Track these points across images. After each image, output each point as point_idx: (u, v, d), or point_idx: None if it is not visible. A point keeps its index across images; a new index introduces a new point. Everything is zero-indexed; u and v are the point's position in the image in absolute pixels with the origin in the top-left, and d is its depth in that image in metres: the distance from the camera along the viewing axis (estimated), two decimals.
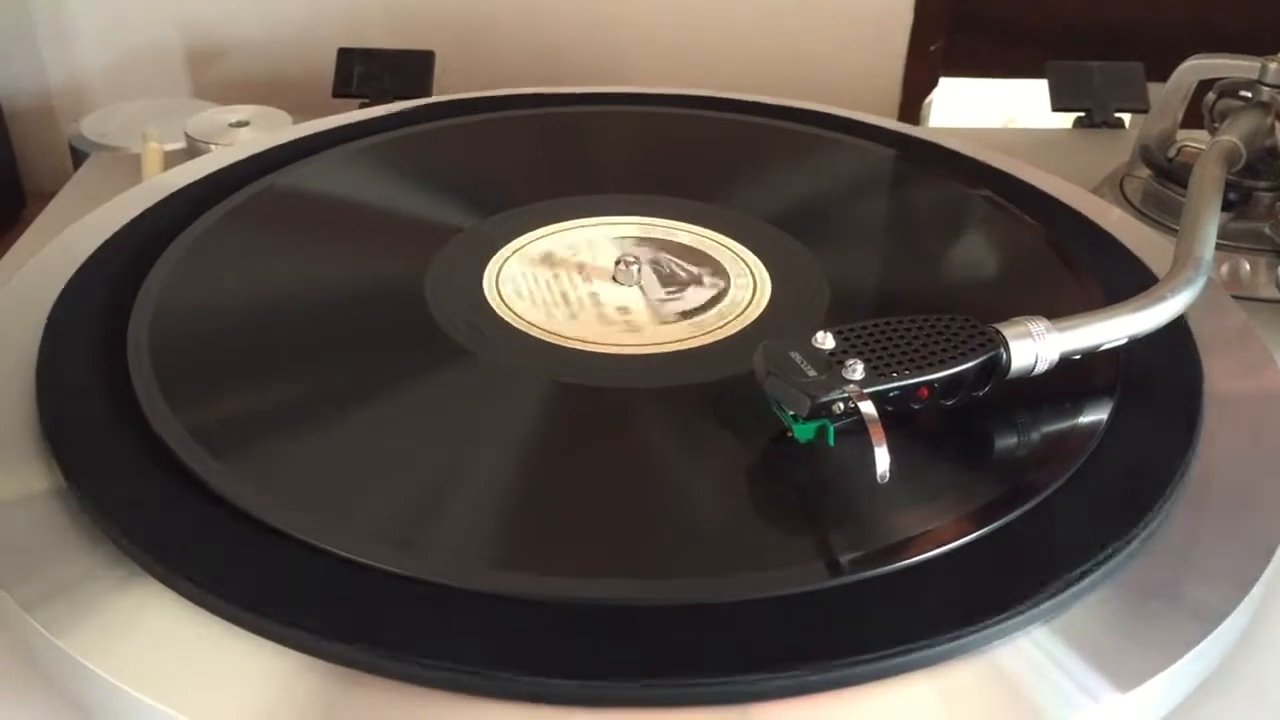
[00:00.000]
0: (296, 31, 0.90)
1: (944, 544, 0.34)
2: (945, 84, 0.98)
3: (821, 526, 0.36)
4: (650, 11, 0.91)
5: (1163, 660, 0.32)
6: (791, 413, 0.36)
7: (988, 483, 0.37)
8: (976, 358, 0.38)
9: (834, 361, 0.37)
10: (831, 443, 0.37)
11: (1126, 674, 0.32)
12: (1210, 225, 0.46)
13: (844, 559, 0.34)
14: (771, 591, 0.33)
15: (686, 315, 0.46)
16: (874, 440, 0.34)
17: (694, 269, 0.50)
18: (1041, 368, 0.39)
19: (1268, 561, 0.36)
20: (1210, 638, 0.33)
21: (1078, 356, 0.40)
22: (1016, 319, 0.39)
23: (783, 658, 0.31)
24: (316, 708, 0.30)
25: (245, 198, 0.53)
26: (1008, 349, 0.38)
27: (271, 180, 0.55)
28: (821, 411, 0.36)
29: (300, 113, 0.70)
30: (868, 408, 0.35)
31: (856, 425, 0.35)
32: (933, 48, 0.94)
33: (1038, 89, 0.78)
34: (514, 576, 0.33)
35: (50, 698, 0.33)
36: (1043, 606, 0.33)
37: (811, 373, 0.36)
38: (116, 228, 0.50)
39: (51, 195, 0.66)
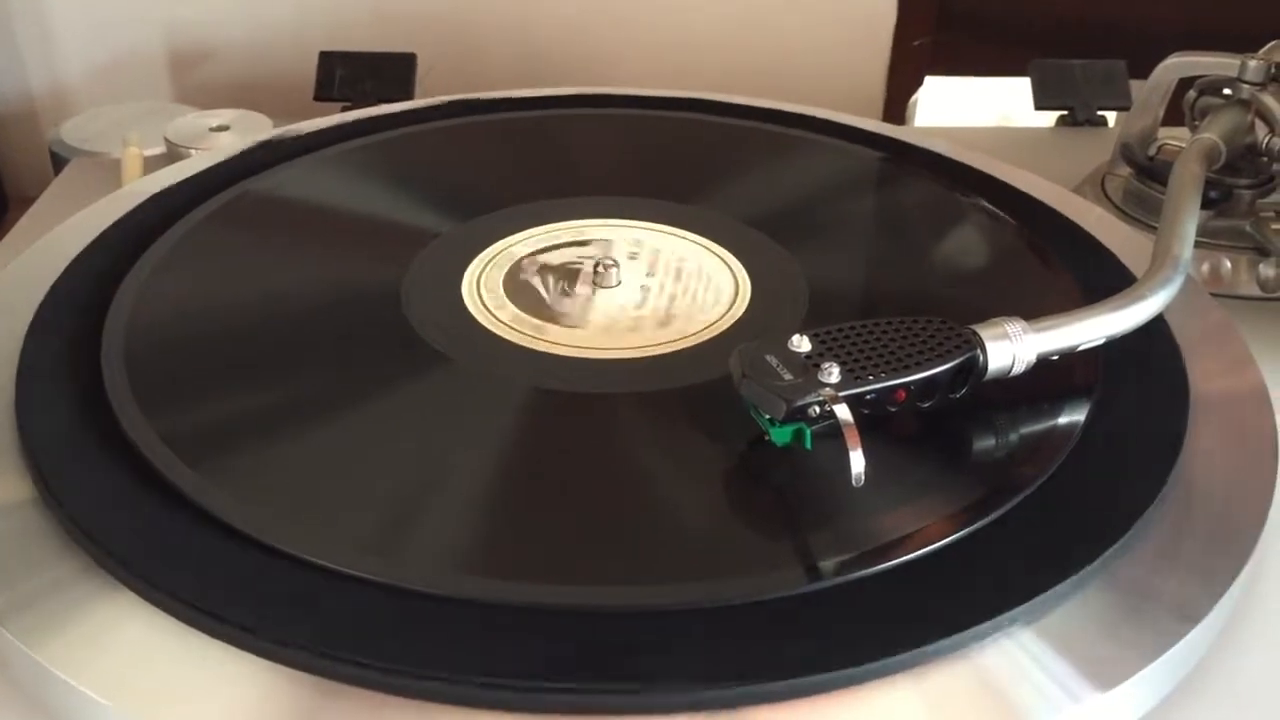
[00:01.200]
0: (279, 34, 0.90)
1: (924, 546, 0.34)
2: (930, 82, 0.98)
3: (802, 530, 0.36)
4: (632, 12, 0.91)
5: (1143, 659, 0.32)
6: (768, 416, 0.36)
7: (968, 484, 0.37)
8: (953, 359, 0.38)
9: (810, 364, 0.37)
10: (808, 446, 0.36)
11: (1107, 673, 0.32)
12: (1189, 224, 0.46)
13: (824, 563, 0.34)
14: (751, 597, 0.33)
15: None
16: (849, 444, 0.34)
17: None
18: (1019, 369, 0.39)
19: (1247, 559, 0.36)
20: (1190, 636, 0.33)
21: (1056, 357, 0.40)
22: (993, 320, 0.39)
23: (764, 663, 0.31)
24: (295, 719, 0.30)
25: (221, 204, 0.53)
26: (984, 350, 0.38)
27: (248, 185, 0.55)
28: (797, 415, 0.36)
29: (283, 116, 0.69)
30: (843, 411, 0.35)
31: (833, 428, 0.35)
32: (917, 43, 0.94)
33: (1022, 87, 0.78)
34: (495, 584, 0.33)
35: (25, 709, 0.33)
36: (1024, 607, 0.33)
37: (787, 376, 0.36)
38: (94, 235, 0.50)
39: (34, 200, 0.65)
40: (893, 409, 0.38)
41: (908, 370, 0.37)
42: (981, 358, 0.38)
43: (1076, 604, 0.34)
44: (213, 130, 0.68)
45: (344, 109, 0.71)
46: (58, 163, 0.71)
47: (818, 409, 0.36)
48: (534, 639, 0.32)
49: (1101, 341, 0.40)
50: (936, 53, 0.96)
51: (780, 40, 0.93)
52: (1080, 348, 0.40)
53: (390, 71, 0.75)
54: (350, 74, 0.75)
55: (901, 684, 0.31)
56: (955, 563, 0.34)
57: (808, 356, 0.37)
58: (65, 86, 0.91)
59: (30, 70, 0.90)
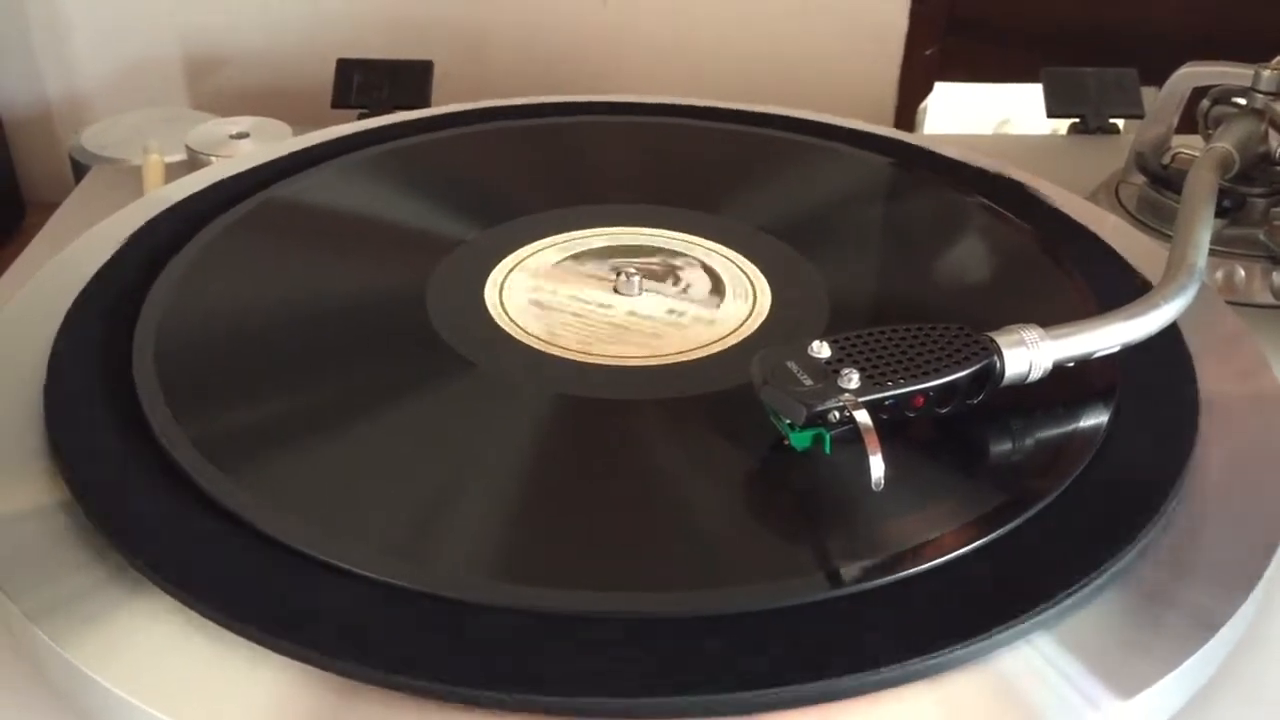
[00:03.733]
0: (296, 42, 0.91)
1: (945, 553, 0.35)
2: (940, 88, 0.98)
3: (822, 537, 0.36)
4: (647, 20, 0.91)
5: (1164, 666, 0.33)
6: (788, 421, 0.37)
7: (988, 491, 0.38)
8: (970, 366, 0.38)
9: (830, 370, 0.37)
10: (828, 451, 0.37)
11: (1128, 680, 0.32)
12: (1203, 232, 0.46)
13: (845, 569, 0.34)
14: (772, 603, 0.33)
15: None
16: (869, 449, 0.34)
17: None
18: (1035, 376, 0.39)
19: (1266, 565, 0.36)
20: (1211, 642, 0.33)
21: (1072, 364, 0.40)
22: (1010, 327, 0.39)
23: (784, 669, 0.31)
24: (320, 718, 0.31)
25: (246, 211, 0.53)
26: (1001, 357, 0.38)
27: (272, 193, 0.55)
28: (817, 420, 0.36)
29: (300, 123, 0.70)
30: (862, 416, 0.35)
31: (853, 433, 0.35)
32: (928, 52, 0.94)
33: (1033, 92, 0.78)
34: (515, 589, 0.34)
35: (56, 708, 0.33)
36: (1044, 614, 0.33)
37: (807, 382, 0.37)
38: (119, 242, 0.50)
39: (52, 205, 0.66)
40: (911, 415, 0.38)
41: (926, 376, 0.37)
42: (999, 364, 0.38)
43: (1096, 611, 0.34)
44: (233, 137, 0.69)
45: (360, 116, 0.72)
46: (78, 170, 0.71)
47: (837, 414, 0.36)
48: (552, 644, 0.32)
49: (1117, 349, 0.41)
50: (946, 59, 0.96)
51: (791, 48, 0.93)
52: (1096, 355, 0.40)
53: (407, 79, 0.76)
54: (367, 81, 0.75)
55: (922, 690, 0.32)
56: (975, 569, 0.35)
57: (827, 362, 0.37)
58: (81, 93, 0.92)
59: (46, 77, 0.91)
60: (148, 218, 0.52)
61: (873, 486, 0.34)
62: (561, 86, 0.90)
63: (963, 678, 0.32)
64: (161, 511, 0.36)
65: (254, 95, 0.91)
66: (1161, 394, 0.43)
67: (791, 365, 0.37)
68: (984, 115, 1.09)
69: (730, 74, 0.93)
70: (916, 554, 0.35)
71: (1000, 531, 0.36)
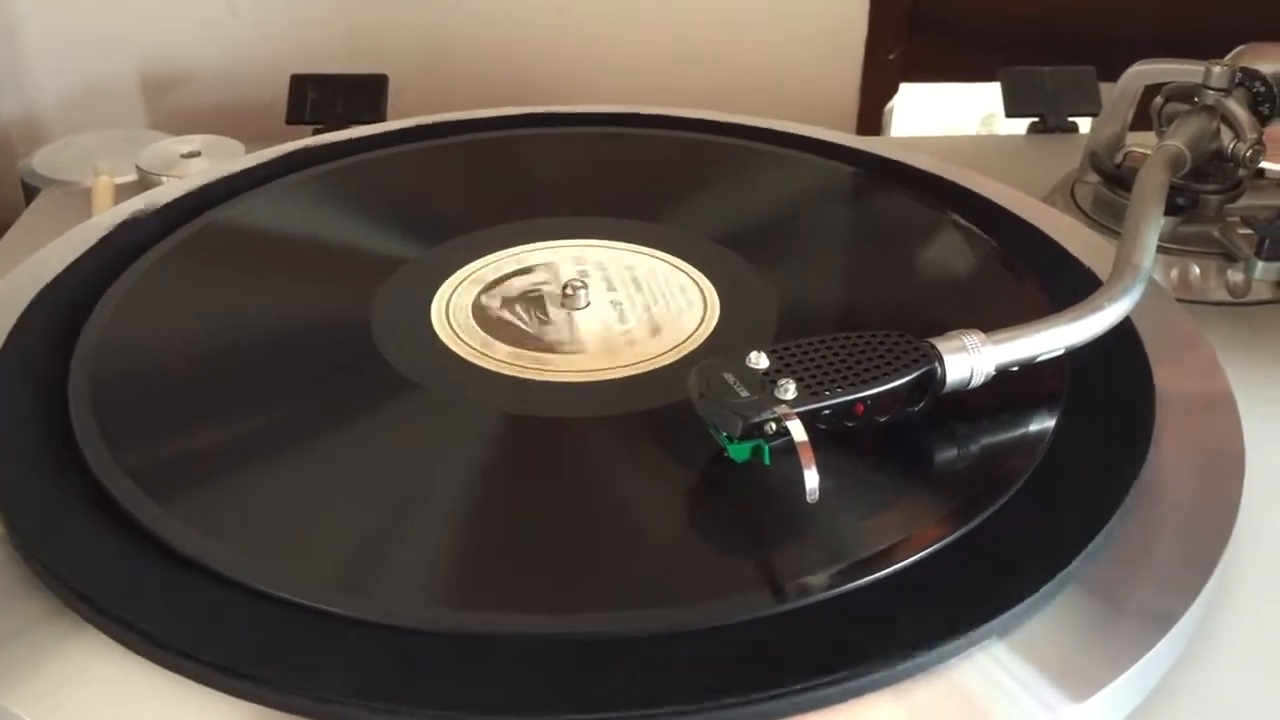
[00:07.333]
0: (252, 59, 0.90)
1: (896, 563, 0.34)
2: (906, 89, 0.98)
3: (774, 550, 0.36)
4: (604, 29, 0.92)
5: (1116, 669, 0.33)
6: (725, 434, 0.36)
7: (938, 498, 0.38)
8: (910, 373, 0.38)
9: (767, 381, 0.37)
10: (768, 463, 0.37)
11: (1081, 685, 0.32)
12: (1151, 233, 0.46)
13: (798, 582, 0.34)
14: (726, 619, 0.33)
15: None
16: (802, 461, 0.34)
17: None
18: (978, 381, 0.39)
19: (1215, 567, 0.36)
20: (1161, 644, 0.34)
21: (1015, 369, 0.40)
22: (952, 333, 0.39)
23: (740, 684, 0.31)
24: None
25: (185, 236, 0.53)
26: (942, 363, 0.38)
27: (215, 215, 0.55)
28: (754, 432, 0.36)
29: (256, 140, 0.69)
30: (796, 428, 0.35)
31: (790, 444, 0.35)
32: (891, 56, 0.94)
33: (997, 91, 0.78)
34: (465, 615, 0.33)
35: None
36: (997, 622, 0.33)
37: (744, 393, 0.36)
38: (58, 269, 0.50)
39: (5, 229, 0.65)
40: (851, 424, 0.38)
41: (864, 385, 0.37)
42: (939, 371, 0.38)
43: (1048, 616, 0.34)
44: (184, 157, 0.68)
45: (315, 132, 0.71)
46: (29, 192, 0.71)
47: (774, 425, 0.36)
48: (505, 670, 0.31)
49: (1061, 352, 0.40)
50: (910, 60, 0.96)
51: (751, 53, 0.93)
52: (1039, 359, 0.40)
53: (362, 93, 0.75)
54: (322, 97, 0.75)
55: (878, 702, 0.31)
56: (927, 578, 0.34)
57: (765, 373, 0.37)
58: (38, 114, 0.92)
59: (3, 98, 0.90)
60: (87, 243, 0.52)
61: (807, 498, 0.34)
62: (521, 98, 0.89)
63: (918, 688, 0.32)
64: (98, 546, 0.35)
65: (211, 113, 0.91)
66: (1114, 396, 0.42)
67: (728, 377, 0.37)
68: (951, 114, 1.09)
69: (690, 81, 0.93)
70: (868, 564, 0.34)
71: (952, 537, 0.35)
